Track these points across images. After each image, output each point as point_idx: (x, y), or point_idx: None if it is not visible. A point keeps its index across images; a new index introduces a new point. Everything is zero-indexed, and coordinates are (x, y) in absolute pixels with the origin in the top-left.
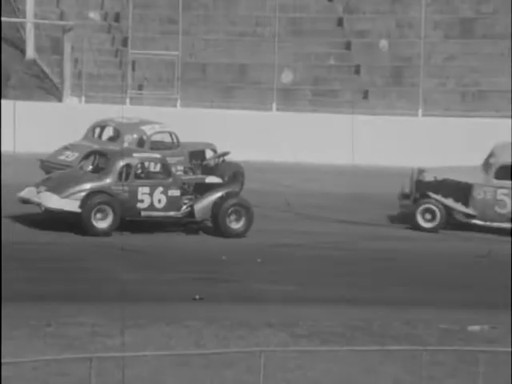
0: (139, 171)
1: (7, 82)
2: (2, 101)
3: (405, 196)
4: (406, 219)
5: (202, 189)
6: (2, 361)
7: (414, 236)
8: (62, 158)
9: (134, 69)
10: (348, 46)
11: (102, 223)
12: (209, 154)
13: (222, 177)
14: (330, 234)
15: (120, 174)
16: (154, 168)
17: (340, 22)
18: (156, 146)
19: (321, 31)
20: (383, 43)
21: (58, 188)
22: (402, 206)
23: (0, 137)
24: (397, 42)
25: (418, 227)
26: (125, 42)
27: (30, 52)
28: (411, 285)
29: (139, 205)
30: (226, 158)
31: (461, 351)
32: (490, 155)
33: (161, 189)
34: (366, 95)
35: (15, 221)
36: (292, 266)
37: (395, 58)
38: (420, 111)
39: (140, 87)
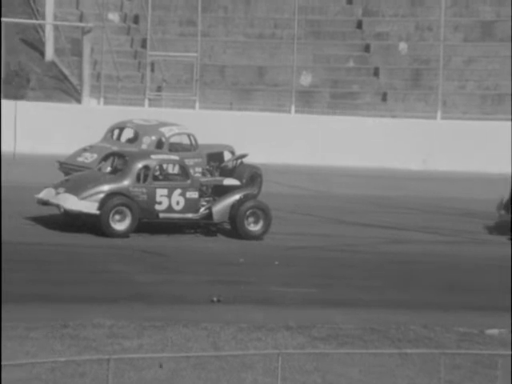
0: (157, 173)
1: (27, 84)
2: (17, 102)
3: (504, 206)
4: (504, 230)
5: (220, 191)
6: (20, 362)
7: (430, 239)
8: (81, 159)
9: (152, 70)
10: (367, 48)
11: (120, 225)
12: (227, 156)
13: (239, 179)
14: (347, 236)
15: (138, 175)
16: (173, 170)
17: (359, 25)
18: (174, 147)
19: (340, 33)
20: (402, 46)
21: (76, 189)
22: (500, 216)
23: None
24: (416, 44)
25: None
26: (144, 44)
27: (50, 54)
28: (429, 288)
29: (157, 207)
30: (244, 160)
31: (479, 355)
32: None
33: (179, 191)
34: (384, 98)
35: (34, 222)
36: (310, 269)
37: (414, 61)
38: (439, 114)
39: (159, 89)
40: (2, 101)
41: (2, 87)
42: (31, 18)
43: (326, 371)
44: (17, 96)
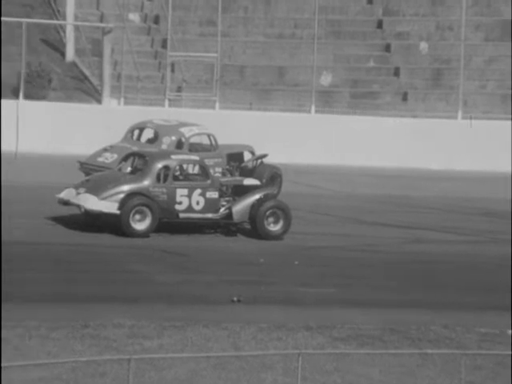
0: (177, 173)
1: (48, 85)
2: (43, 102)
3: None
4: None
5: (240, 191)
6: (41, 361)
7: (452, 239)
8: (101, 159)
9: (173, 71)
10: (388, 48)
11: (140, 225)
12: (247, 156)
13: (259, 179)
14: (367, 236)
15: (158, 175)
16: (193, 170)
17: (380, 24)
18: (194, 147)
19: (360, 33)
20: (423, 45)
21: (97, 190)
22: None
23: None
24: (437, 44)
25: None
26: (164, 44)
27: (70, 54)
28: (449, 288)
29: (177, 206)
30: (264, 160)
31: (500, 355)
32: None
33: (199, 191)
34: (405, 97)
35: (55, 222)
36: (330, 269)
37: (435, 61)
38: (460, 114)
39: (179, 89)
40: (22, 101)
41: (21, 88)
42: (52, 19)
43: (346, 371)
44: (38, 96)
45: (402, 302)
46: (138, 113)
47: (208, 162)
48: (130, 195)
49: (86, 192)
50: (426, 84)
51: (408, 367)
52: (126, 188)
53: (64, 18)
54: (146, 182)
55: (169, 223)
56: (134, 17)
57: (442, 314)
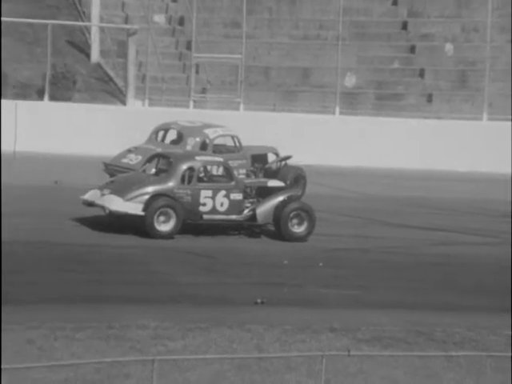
0: (202, 174)
1: (73, 86)
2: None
3: None
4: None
5: (264, 192)
6: (66, 362)
7: (477, 241)
8: (126, 161)
9: (197, 72)
10: (412, 49)
11: (164, 226)
12: (271, 157)
13: (284, 180)
14: (391, 238)
15: (183, 177)
16: (217, 171)
17: (404, 26)
18: (219, 149)
19: (385, 34)
20: (448, 47)
21: (121, 191)
22: None
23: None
24: (462, 45)
25: None
26: (189, 46)
27: (95, 55)
28: (474, 290)
29: (201, 208)
30: (288, 161)
31: None
32: None
33: (223, 192)
34: (430, 99)
35: (79, 223)
36: (354, 271)
37: (460, 62)
38: (485, 115)
39: (203, 90)
40: (52, 103)
41: (46, 89)
42: (77, 20)
43: (370, 374)
44: (63, 98)
45: (427, 303)
46: (163, 114)
47: (232, 163)
48: (155, 196)
49: (111, 193)
50: (451, 86)
51: (433, 369)
52: (150, 189)
53: (89, 20)
54: (171, 184)
55: (193, 225)
56: (159, 18)
57: (466, 316)
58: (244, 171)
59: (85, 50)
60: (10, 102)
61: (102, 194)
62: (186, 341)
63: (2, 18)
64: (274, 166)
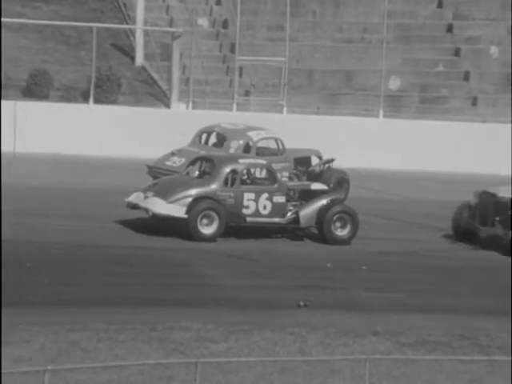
0: (245, 177)
1: (118, 89)
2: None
3: None
4: None
5: (307, 195)
6: (109, 364)
7: None
8: (169, 163)
9: (241, 75)
10: (457, 52)
11: (207, 229)
12: (314, 160)
13: (327, 184)
14: (435, 242)
15: (226, 179)
16: (260, 174)
17: (449, 29)
18: (262, 152)
19: (429, 37)
20: (493, 49)
21: (164, 193)
22: None
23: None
24: (507, 48)
25: None
26: (232, 49)
27: (140, 58)
28: None
29: (244, 211)
30: (332, 164)
31: None
32: None
33: (266, 195)
34: (475, 102)
35: (122, 225)
36: (397, 274)
37: (505, 65)
38: None
39: (247, 93)
40: (97, 106)
41: (91, 92)
42: (122, 24)
43: (414, 377)
44: (108, 101)
45: (471, 308)
46: (206, 117)
47: (275, 166)
48: (198, 199)
49: (154, 196)
50: (496, 89)
51: (477, 374)
52: (193, 192)
53: (134, 23)
54: (214, 186)
55: (236, 227)
56: (203, 21)
57: (510, 321)
58: (287, 174)
59: (129, 53)
60: (55, 104)
61: (146, 197)
62: (228, 343)
63: (46, 21)
64: (317, 169)
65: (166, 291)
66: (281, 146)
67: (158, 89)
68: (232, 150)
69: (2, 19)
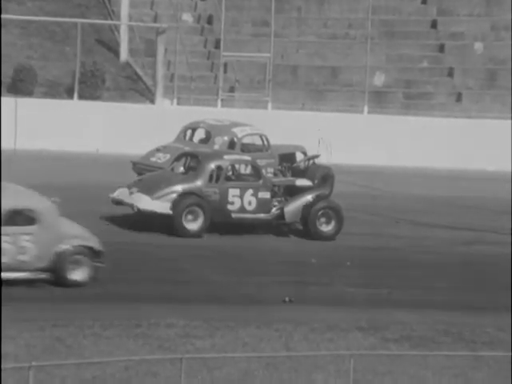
0: (230, 173)
1: (102, 84)
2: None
3: None
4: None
5: (292, 191)
6: (94, 360)
7: (505, 241)
8: (154, 159)
9: (225, 71)
10: (441, 48)
11: (192, 225)
12: (299, 156)
13: (311, 179)
14: (420, 237)
15: (211, 175)
16: (245, 170)
17: (434, 24)
18: (247, 148)
19: (414, 33)
20: (478, 46)
21: (149, 189)
22: None
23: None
24: (491, 44)
25: None
26: (217, 45)
27: (124, 54)
28: (504, 290)
29: (229, 207)
30: (316, 160)
31: None
32: None
33: (251, 191)
34: (459, 98)
35: (108, 222)
36: (382, 270)
37: (490, 61)
38: None
39: (231, 89)
40: (81, 102)
41: (76, 88)
42: (106, 19)
43: (398, 373)
44: (92, 96)
45: (456, 303)
46: (191, 113)
47: (260, 162)
48: (183, 195)
49: (139, 192)
50: (481, 85)
51: (461, 369)
52: (178, 188)
53: (118, 19)
54: (199, 182)
55: (221, 223)
56: (188, 17)
57: (496, 316)
58: (272, 170)
59: (114, 49)
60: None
61: (131, 193)
62: (214, 339)
63: (31, 17)
64: (302, 165)
65: (152, 287)
66: (266, 142)
67: (143, 85)
68: (217, 146)
69: None
